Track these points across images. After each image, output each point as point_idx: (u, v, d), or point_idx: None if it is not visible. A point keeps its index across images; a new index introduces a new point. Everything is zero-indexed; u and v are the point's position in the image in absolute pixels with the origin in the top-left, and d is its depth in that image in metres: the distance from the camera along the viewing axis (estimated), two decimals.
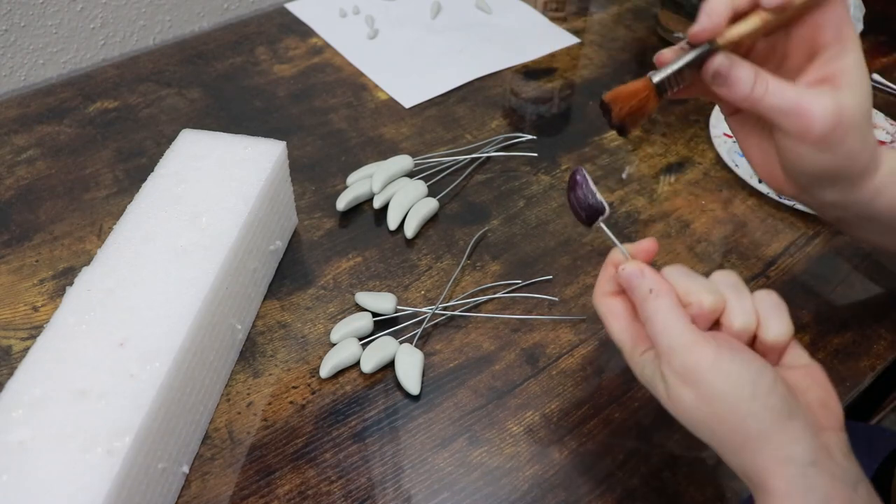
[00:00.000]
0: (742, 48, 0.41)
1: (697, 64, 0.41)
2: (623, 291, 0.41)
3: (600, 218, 0.43)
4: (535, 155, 0.69)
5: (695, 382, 0.36)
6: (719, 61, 0.40)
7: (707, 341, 0.37)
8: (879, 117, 0.72)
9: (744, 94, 0.40)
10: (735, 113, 0.46)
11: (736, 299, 0.39)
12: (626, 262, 0.40)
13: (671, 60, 0.41)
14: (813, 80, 0.40)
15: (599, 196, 0.42)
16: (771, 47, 0.42)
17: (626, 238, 0.62)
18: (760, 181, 0.66)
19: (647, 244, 0.42)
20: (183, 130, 0.57)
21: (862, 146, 0.41)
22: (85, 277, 0.46)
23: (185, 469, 0.46)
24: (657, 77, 0.41)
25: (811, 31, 0.40)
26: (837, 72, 0.40)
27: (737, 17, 0.40)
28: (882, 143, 0.69)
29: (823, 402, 0.38)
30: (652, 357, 0.39)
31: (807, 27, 0.40)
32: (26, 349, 0.43)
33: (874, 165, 0.42)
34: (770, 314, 0.39)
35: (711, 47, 0.40)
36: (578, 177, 0.43)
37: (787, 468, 0.35)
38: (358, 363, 0.52)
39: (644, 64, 0.80)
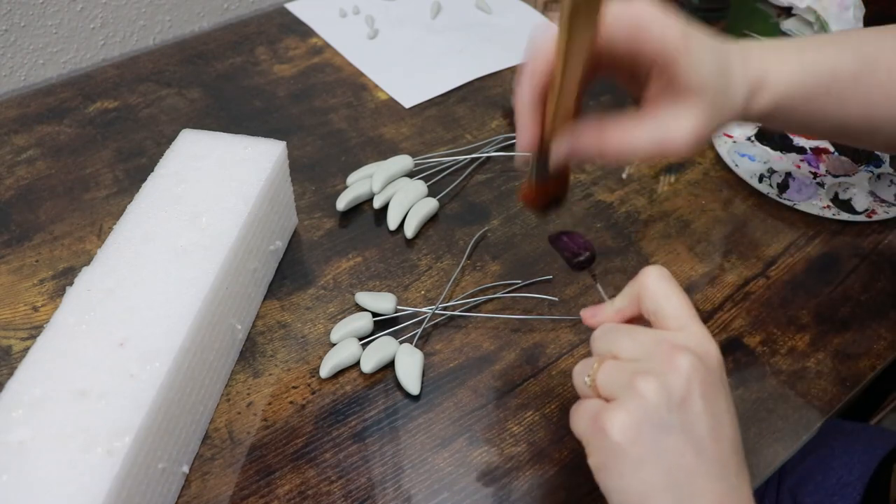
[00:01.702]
0: (573, 98, 0.38)
1: (545, 171, 0.40)
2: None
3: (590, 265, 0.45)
4: None
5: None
6: (555, 157, 0.39)
7: None
8: None
9: (597, 161, 0.40)
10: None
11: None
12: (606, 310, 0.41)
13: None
14: (659, 93, 0.39)
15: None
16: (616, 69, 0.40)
17: (626, 238, 0.62)
18: (760, 180, 0.66)
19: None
20: (183, 130, 0.57)
21: (725, 122, 0.40)
22: (85, 277, 0.46)
23: (185, 469, 0.46)
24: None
25: (628, 55, 0.38)
26: (679, 80, 0.38)
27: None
28: None
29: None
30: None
31: (621, 52, 0.38)
32: (26, 349, 0.43)
33: (751, 97, 0.41)
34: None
35: (541, 158, 0.40)
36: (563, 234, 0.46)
37: None
38: (358, 363, 0.52)
39: None
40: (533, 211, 0.42)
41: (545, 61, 0.37)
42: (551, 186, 0.42)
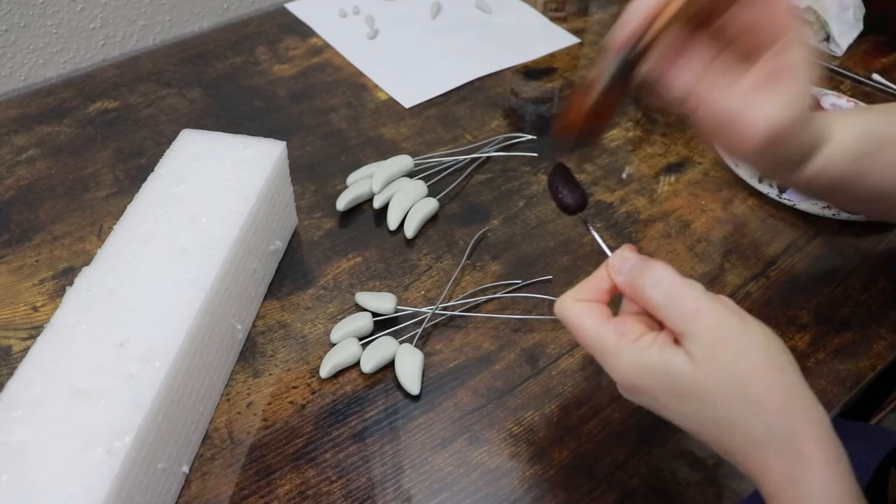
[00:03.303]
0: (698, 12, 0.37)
1: (623, 74, 0.38)
2: (596, 300, 0.41)
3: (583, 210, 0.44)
4: (535, 155, 0.69)
5: (724, 339, 0.36)
6: (653, 59, 0.37)
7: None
8: None
9: (672, 107, 0.39)
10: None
11: None
12: (618, 256, 0.41)
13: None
14: (761, 77, 0.38)
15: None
16: (724, 28, 0.39)
17: (627, 238, 0.62)
18: (760, 180, 0.66)
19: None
20: (183, 130, 0.57)
21: (799, 145, 0.40)
22: (85, 277, 0.46)
23: (185, 469, 0.46)
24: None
25: (755, 23, 0.38)
26: (782, 68, 0.38)
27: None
28: None
29: None
30: (652, 339, 0.38)
31: (749, 17, 0.38)
32: (26, 349, 0.43)
33: (816, 147, 0.41)
34: None
35: (633, 53, 0.37)
36: (561, 169, 0.45)
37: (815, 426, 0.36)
38: (358, 363, 0.52)
39: None
40: (569, 136, 0.40)
41: None
42: (605, 108, 0.39)
